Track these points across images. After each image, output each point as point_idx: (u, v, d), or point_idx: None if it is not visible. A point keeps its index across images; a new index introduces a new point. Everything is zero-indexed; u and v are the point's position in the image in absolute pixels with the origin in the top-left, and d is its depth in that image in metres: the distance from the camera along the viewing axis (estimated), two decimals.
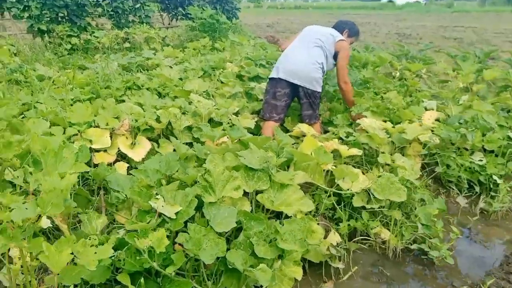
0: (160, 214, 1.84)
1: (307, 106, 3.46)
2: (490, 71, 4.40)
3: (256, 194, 2.22)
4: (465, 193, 3.04)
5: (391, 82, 4.43)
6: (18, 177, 1.93)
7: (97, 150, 2.83)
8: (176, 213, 1.85)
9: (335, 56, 3.56)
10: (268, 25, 18.40)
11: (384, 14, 30.52)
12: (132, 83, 4.28)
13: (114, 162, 2.79)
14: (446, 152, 3.07)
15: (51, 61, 5.70)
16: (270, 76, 3.53)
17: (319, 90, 3.46)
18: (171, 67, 5.46)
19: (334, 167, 2.46)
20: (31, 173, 1.88)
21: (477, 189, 3.03)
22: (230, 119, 3.40)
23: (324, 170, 2.49)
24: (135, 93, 4.05)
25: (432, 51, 6.91)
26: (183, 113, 3.35)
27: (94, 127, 2.95)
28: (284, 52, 3.63)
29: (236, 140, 2.71)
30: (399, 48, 5.90)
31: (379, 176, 2.51)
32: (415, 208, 2.52)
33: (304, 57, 3.42)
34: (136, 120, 3.07)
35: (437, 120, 3.49)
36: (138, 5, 8.92)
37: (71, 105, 3.19)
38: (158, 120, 3.17)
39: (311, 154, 2.44)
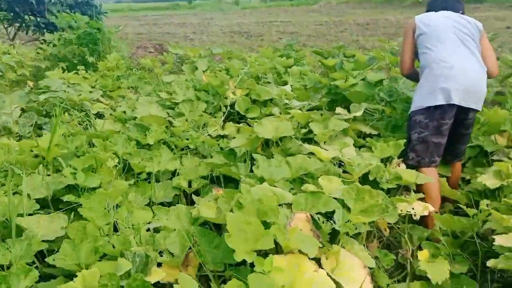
0: None
1: (468, 137, 2.58)
2: None
3: None
4: None
5: None
6: None
7: None
8: None
9: None
10: None
11: (183, 15, 30.29)
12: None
13: None
14: None
15: None
16: (432, 104, 2.35)
17: None
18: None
19: None
20: None
21: None
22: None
23: None
24: None
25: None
26: None
27: None
28: (441, 59, 2.38)
29: None
30: None
31: None
32: None
33: (478, 66, 2.41)
34: None
35: None
36: None
37: None
38: None
39: None
